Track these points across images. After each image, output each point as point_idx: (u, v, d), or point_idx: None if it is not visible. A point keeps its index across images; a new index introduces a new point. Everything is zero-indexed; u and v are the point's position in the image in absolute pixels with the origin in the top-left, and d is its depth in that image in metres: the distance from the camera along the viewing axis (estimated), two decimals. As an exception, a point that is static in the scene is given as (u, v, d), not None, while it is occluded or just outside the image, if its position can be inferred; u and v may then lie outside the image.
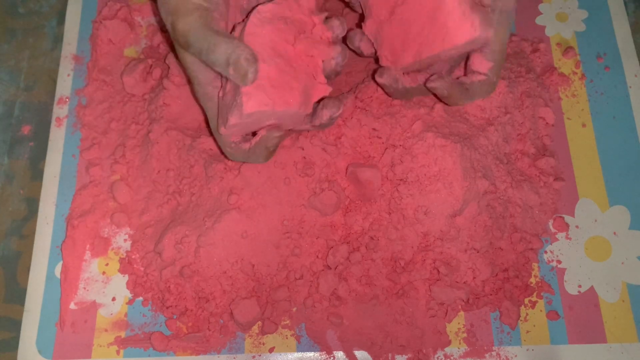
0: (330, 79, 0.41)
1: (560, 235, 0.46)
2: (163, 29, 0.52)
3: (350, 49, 0.44)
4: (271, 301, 0.43)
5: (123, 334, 0.43)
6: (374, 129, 0.44)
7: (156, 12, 0.53)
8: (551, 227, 0.46)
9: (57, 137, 0.49)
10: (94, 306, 0.44)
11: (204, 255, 0.42)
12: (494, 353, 0.42)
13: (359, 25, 0.49)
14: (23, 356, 0.43)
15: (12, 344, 0.44)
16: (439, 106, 0.44)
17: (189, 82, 0.45)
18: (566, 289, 0.44)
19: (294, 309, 0.43)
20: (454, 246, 0.42)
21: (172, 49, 0.48)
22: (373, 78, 0.44)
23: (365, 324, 0.43)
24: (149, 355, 0.43)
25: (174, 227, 0.43)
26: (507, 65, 0.48)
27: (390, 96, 0.44)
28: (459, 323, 0.43)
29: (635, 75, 0.50)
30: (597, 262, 0.45)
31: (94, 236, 0.46)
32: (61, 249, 0.45)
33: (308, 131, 0.43)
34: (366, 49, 0.44)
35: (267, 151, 0.40)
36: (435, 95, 0.42)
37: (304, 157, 0.43)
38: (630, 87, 0.50)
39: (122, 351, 0.43)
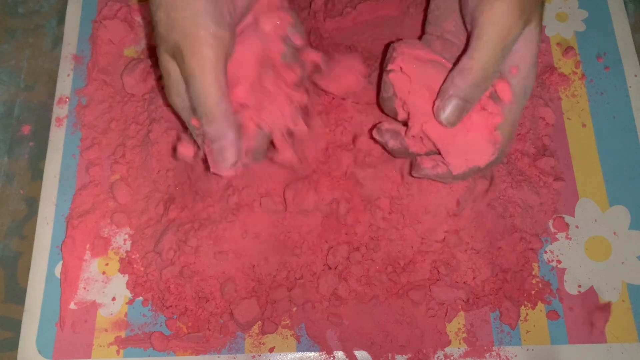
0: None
1: (560, 235, 0.46)
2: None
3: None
4: (271, 301, 0.43)
5: (123, 334, 0.43)
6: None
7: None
8: (551, 227, 0.46)
9: (57, 137, 0.49)
10: (94, 306, 0.44)
11: (204, 255, 0.42)
12: (494, 353, 0.42)
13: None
14: (23, 356, 0.43)
15: (12, 344, 0.44)
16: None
17: (160, 79, 0.40)
18: (566, 289, 0.44)
19: (294, 309, 0.43)
20: (454, 246, 0.42)
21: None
22: (371, 136, 0.41)
23: (365, 324, 0.43)
24: (149, 355, 0.43)
25: (174, 227, 0.43)
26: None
27: (390, 154, 0.41)
28: (459, 323, 0.43)
29: (635, 75, 0.50)
30: (597, 262, 0.45)
31: (94, 236, 0.46)
32: (61, 249, 0.45)
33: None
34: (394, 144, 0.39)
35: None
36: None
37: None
38: (630, 87, 0.50)
39: (122, 351, 0.43)
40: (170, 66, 0.35)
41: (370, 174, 0.43)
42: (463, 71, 0.34)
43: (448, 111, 0.34)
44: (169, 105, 0.39)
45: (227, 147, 0.35)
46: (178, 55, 0.34)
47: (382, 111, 0.41)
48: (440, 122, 0.35)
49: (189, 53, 0.33)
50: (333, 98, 0.45)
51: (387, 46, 0.39)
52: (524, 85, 0.35)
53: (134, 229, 0.46)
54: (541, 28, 0.35)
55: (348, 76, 0.42)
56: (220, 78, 0.34)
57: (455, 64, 0.36)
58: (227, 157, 0.35)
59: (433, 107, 0.35)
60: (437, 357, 0.42)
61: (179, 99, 0.36)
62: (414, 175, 0.39)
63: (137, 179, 0.47)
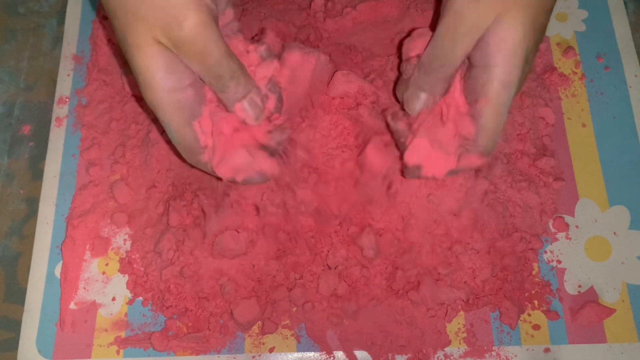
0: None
1: (560, 235, 0.46)
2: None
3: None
4: (271, 301, 0.43)
5: (123, 334, 0.43)
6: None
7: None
8: (551, 227, 0.46)
9: (57, 137, 0.49)
10: (94, 306, 0.44)
11: (204, 256, 0.42)
12: (494, 353, 0.42)
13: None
14: (23, 356, 0.43)
15: (12, 344, 0.44)
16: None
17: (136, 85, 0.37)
18: (566, 289, 0.44)
19: (294, 309, 0.43)
20: (454, 246, 0.42)
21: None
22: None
23: (365, 324, 0.43)
24: (149, 355, 0.43)
25: (173, 227, 0.43)
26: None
27: (397, 145, 0.41)
28: (459, 323, 0.43)
29: (635, 75, 0.50)
30: (597, 262, 0.45)
31: (94, 236, 0.46)
32: (61, 249, 0.45)
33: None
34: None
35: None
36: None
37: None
38: (630, 87, 0.50)
39: (122, 351, 0.43)
40: (157, 51, 0.34)
41: (371, 174, 0.43)
42: (419, 63, 0.38)
43: (407, 98, 0.38)
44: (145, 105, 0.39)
45: (256, 97, 0.37)
46: (178, 33, 0.33)
47: (395, 97, 0.42)
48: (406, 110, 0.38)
49: (200, 23, 0.33)
50: (333, 98, 0.45)
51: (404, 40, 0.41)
52: (503, 79, 0.35)
53: (134, 229, 0.46)
54: (522, 21, 0.34)
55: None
56: (220, 35, 0.35)
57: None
58: (260, 106, 0.37)
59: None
60: (437, 357, 0.42)
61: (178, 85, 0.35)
62: (406, 177, 0.40)
63: (137, 179, 0.47)
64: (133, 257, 0.45)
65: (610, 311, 0.43)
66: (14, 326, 0.44)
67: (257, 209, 0.42)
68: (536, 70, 0.50)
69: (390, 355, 0.42)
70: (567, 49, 0.51)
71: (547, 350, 0.42)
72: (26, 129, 0.51)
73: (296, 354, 0.43)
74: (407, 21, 0.49)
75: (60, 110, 0.50)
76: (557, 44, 0.52)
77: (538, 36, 0.35)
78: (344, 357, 0.43)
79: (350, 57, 0.48)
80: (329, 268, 0.43)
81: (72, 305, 0.44)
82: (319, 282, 0.42)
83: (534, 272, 0.44)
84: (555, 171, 0.47)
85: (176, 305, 0.43)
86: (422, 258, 0.43)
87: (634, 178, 0.47)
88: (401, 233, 0.43)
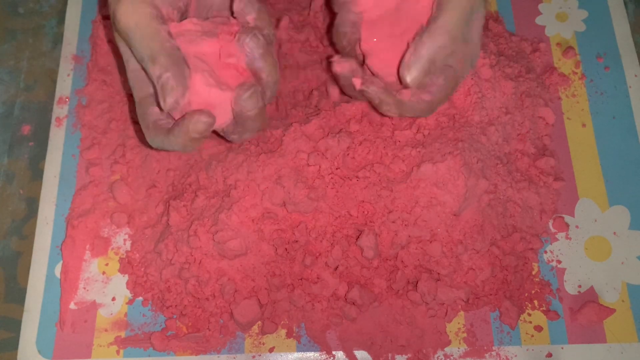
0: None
1: (560, 235, 0.46)
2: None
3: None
4: (271, 301, 0.43)
5: (123, 334, 0.43)
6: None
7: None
8: (551, 227, 0.46)
9: (57, 137, 0.49)
10: (94, 306, 0.44)
11: (204, 255, 0.42)
12: (493, 353, 0.42)
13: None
14: (23, 356, 0.43)
15: (12, 344, 0.44)
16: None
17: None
18: (566, 289, 0.44)
19: (294, 309, 0.43)
20: (454, 246, 0.42)
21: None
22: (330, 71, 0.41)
23: (365, 324, 0.43)
24: (149, 355, 0.43)
25: (174, 227, 0.43)
26: (506, 65, 0.48)
27: (344, 91, 0.42)
28: (459, 323, 0.43)
29: (635, 75, 0.50)
30: (597, 262, 0.45)
31: (94, 236, 0.46)
32: (61, 249, 0.45)
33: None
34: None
35: (187, 137, 0.35)
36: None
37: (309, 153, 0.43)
38: (630, 87, 0.50)
39: (122, 351, 0.43)
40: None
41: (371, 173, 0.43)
42: (431, 32, 0.35)
43: (414, 71, 0.36)
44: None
45: (171, 80, 0.34)
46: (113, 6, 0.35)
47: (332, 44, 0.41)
48: (405, 82, 0.36)
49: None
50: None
51: None
52: (471, 54, 0.38)
53: (134, 229, 0.46)
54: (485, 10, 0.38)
55: None
56: (153, 27, 0.35)
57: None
58: (173, 91, 0.34)
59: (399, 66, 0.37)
60: (437, 357, 0.42)
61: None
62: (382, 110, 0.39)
63: (137, 179, 0.47)
64: (133, 257, 0.45)
65: (610, 311, 0.43)
66: (14, 326, 0.44)
67: (258, 209, 0.42)
68: (536, 70, 0.50)
69: (390, 355, 0.42)
70: (567, 49, 0.51)
71: (549, 355, 0.42)
72: (26, 129, 0.51)
73: (296, 354, 0.43)
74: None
75: (60, 110, 0.50)
76: (557, 44, 0.52)
77: None
78: (344, 357, 0.43)
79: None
80: (329, 268, 0.43)
81: (72, 305, 0.44)
82: (319, 282, 0.42)
83: (534, 272, 0.44)
84: (555, 171, 0.47)
85: (176, 305, 0.43)
86: (422, 258, 0.43)
87: (634, 178, 0.47)
88: (401, 233, 0.43)
